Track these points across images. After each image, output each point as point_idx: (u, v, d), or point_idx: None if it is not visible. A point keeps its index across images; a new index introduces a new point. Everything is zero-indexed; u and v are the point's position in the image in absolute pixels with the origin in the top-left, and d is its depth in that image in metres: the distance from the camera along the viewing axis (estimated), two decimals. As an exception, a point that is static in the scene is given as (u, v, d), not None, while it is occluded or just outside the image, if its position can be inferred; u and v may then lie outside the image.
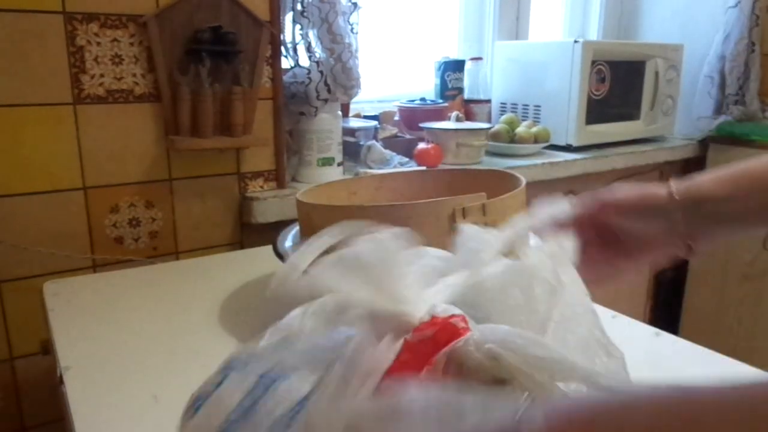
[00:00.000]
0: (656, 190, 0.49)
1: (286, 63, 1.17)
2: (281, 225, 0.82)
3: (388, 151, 1.33)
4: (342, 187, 0.82)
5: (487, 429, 0.28)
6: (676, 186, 0.49)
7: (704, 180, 0.49)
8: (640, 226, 0.49)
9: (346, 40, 1.16)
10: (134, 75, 1.00)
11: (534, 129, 1.55)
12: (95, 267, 1.03)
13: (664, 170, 1.79)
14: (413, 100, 1.55)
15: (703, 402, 0.24)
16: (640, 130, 1.75)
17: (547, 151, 1.58)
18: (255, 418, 0.34)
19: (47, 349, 0.75)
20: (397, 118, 1.55)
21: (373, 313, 0.35)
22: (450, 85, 1.61)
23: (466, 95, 1.64)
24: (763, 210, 0.46)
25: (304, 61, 1.18)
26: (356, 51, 1.18)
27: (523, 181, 0.70)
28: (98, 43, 0.96)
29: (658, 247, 0.50)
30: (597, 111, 1.60)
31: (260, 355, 0.39)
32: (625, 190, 0.49)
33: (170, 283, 0.87)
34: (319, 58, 1.16)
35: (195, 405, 0.37)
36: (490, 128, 1.50)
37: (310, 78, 1.15)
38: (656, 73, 1.70)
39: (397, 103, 1.56)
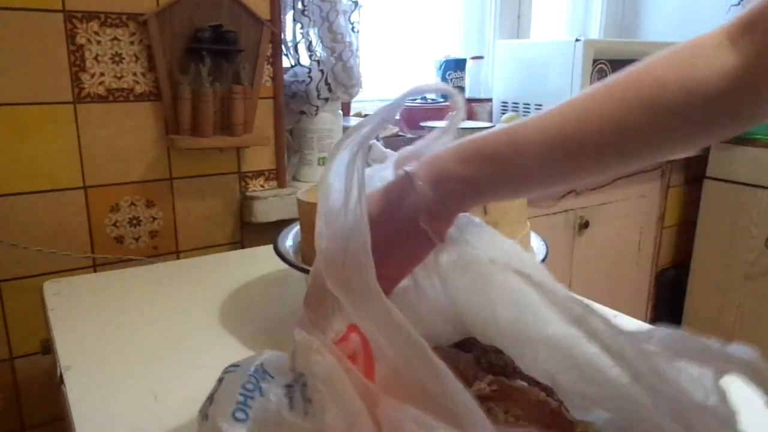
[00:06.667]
0: (398, 185, 0.42)
1: (286, 62, 1.17)
2: (282, 224, 0.82)
3: (389, 150, 1.32)
4: (343, 186, 0.81)
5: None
6: (417, 171, 0.42)
7: (445, 160, 0.43)
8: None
9: (347, 39, 1.15)
10: (134, 74, 1.00)
11: (535, 128, 1.55)
12: (95, 266, 1.03)
13: (666, 169, 1.79)
14: (414, 99, 1.55)
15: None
16: (641, 129, 1.74)
17: (549, 150, 1.58)
18: (260, 394, 0.37)
19: (47, 348, 0.75)
20: (397, 117, 1.55)
21: None
22: (451, 84, 1.60)
23: (468, 94, 1.64)
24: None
25: (305, 60, 1.17)
26: (357, 50, 1.18)
27: (525, 180, 0.70)
28: (98, 42, 0.96)
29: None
30: (598, 110, 1.59)
31: (253, 357, 0.40)
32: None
33: (170, 282, 0.86)
34: (320, 56, 1.15)
35: (203, 413, 0.38)
36: (491, 127, 1.50)
37: (310, 77, 1.15)
38: (658, 72, 1.69)
39: (398, 102, 1.55)
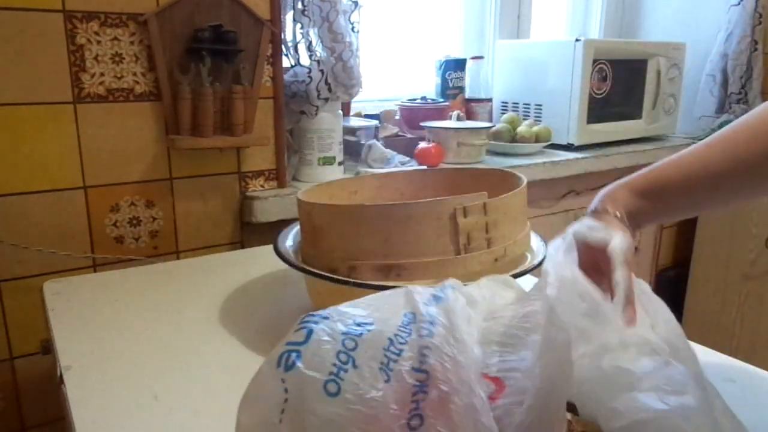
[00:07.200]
0: (612, 226, 0.54)
1: (286, 62, 1.17)
2: (282, 224, 0.82)
3: (389, 151, 1.32)
4: (343, 186, 0.82)
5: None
6: (621, 213, 0.55)
7: (623, 195, 0.56)
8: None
9: (347, 39, 1.15)
10: (134, 74, 1.00)
11: (535, 128, 1.55)
12: (95, 266, 1.03)
13: (666, 169, 1.79)
14: (414, 99, 1.55)
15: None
16: (641, 129, 1.74)
17: (549, 150, 1.58)
18: (363, 352, 0.35)
19: (47, 348, 0.75)
20: (398, 117, 1.55)
21: None
22: (451, 84, 1.60)
23: (468, 94, 1.64)
24: (679, 209, 0.57)
25: (305, 60, 1.17)
26: (357, 50, 1.18)
27: (524, 180, 0.70)
28: (98, 42, 0.96)
29: None
30: (598, 110, 1.59)
31: (337, 311, 0.38)
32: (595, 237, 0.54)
33: (170, 282, 0.86)
34: (320, 57, 1.15)
35: (285, 360, 0.35)
36: (491, 127, 1.50)
37: (310, 77, 1.15)
38: (658, 72, 1.69)
39: (398, 102, 1.56)
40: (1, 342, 0.98)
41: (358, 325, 0.37)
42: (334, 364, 0.34)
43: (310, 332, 0.36)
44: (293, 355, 0.35)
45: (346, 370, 0.34)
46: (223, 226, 1.14)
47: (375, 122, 1.39)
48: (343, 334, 0.36)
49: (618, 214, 0.54)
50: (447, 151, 1.39)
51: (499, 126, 1.56)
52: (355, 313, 0.38)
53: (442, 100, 1.58)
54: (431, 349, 0.35)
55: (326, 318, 0.37)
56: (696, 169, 0.54)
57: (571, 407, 0.40)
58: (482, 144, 1.43)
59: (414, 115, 1.50)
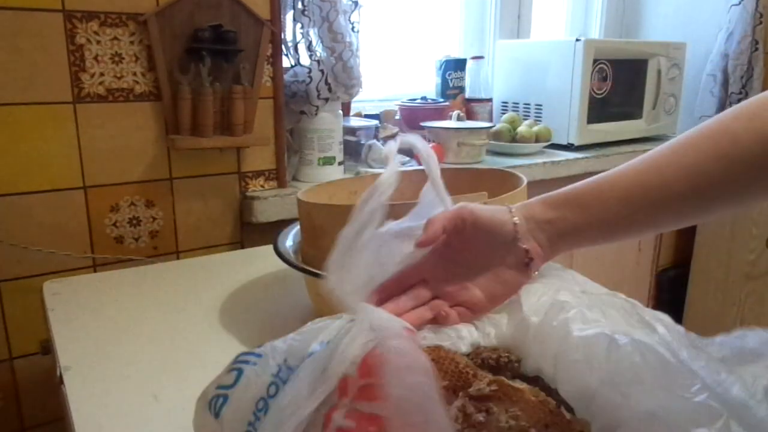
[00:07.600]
0: (502, 216, 0.48)
1: (286, 62, 1.17)
2: (282, 224, 0.82)
3: (385, 148, 1.32)
4: (343, 186, 0.82)
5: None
6: (517, 213, 0.48)
7: (534, 204, 0.49)
8: (484, 246, 0.48)
9: (347, 39, 1.15)
10: (134, 74, 1.00)
11: (535, 128, 1.55)
12: (95, 266, 1.03)
13: (666, 169, 1.79)
14: (414, 99, 1.55)
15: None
16: (642, 129, 1.74)
17: (549, 150, 1.58)
18: (283, 402, 0.35)
19: (47, 349, 0.75)
20: (398, 117, 1.55)
21: None
22: (451, 84, 1.60)
23: (468, 94, 1.64)
24: (593, 225, 0.47)
25: (305, 59, 1.17)
26: (357, 50, 1.18)
27: (524, 180, 0.70)
28: (98, 42, 0.96)
29: (496, 264, 0.48)
30: (599, 110, 1.59)
31: (274, 349, 0.38)
32: (480, 211, 0.48)
33: (170, 283, 0.86)
34: (320, 56, 1.15)
35: (214, 405, 0.36)
36: (491, 127, 1.50)
37: (310, 77, 1.15)
38: (658, 72, 1.69)
39: (398, 102, 1.56)
40: (1, 342, 0.98)
41: (289, 367, 0.37)
42: (253, 414, 0.35)
43: (240, 374, 0.37)
44: (220, 400, 0.37)
45: (260, 421, 0.35)
46: (223, 226, 1.14)
47: (375, 122, 1.39)
48: (272, 375, 0.37)
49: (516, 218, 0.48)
50: (447, 151, 1.39)
51: (499, 126, 1.56)
52: (290, 350, 0.38)
53: (442, 100, 1.58)
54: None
55: (260, 356, 0.38)
56: (611, 176, 0.48)
57: (569, 408, 0.39)
58: (482, 144, 1.43)
59: (414, 115, 1.50)
